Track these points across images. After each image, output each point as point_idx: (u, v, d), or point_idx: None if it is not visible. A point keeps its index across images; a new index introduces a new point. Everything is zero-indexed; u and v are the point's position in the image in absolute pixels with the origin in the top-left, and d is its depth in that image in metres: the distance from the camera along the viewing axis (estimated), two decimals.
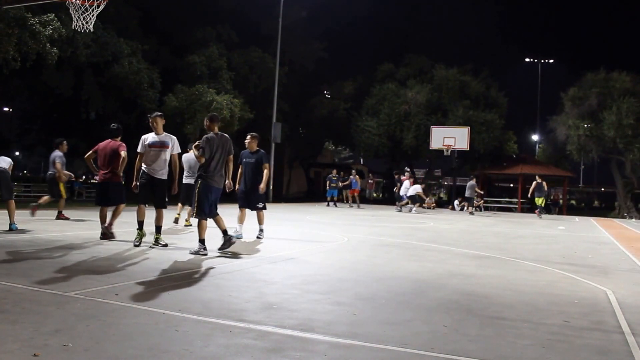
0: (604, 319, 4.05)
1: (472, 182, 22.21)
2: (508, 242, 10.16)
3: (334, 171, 24.77)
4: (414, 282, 5.22)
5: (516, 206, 29.50)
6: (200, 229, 6.55)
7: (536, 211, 21.27)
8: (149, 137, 7.07)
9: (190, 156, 9.80)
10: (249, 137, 8.49)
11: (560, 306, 4.40)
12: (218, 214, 6.76)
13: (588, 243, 10.51)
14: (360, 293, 4.60)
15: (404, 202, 22.25)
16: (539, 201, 20.78)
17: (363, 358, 2.93)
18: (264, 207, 8.59)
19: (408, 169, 24.50)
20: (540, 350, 3.18)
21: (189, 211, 9.41)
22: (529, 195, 22.45)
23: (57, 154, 10.79)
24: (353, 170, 24.88)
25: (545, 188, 21.09)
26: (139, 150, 7.03)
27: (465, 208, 22.78)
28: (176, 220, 10.12)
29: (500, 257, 7.58)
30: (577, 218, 22.65)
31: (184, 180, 9.83)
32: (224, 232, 6.70)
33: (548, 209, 33.57)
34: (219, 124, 6.88)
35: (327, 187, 23.42)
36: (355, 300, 4.28)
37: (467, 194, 22.19)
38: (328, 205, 22.79)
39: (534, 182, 20.88)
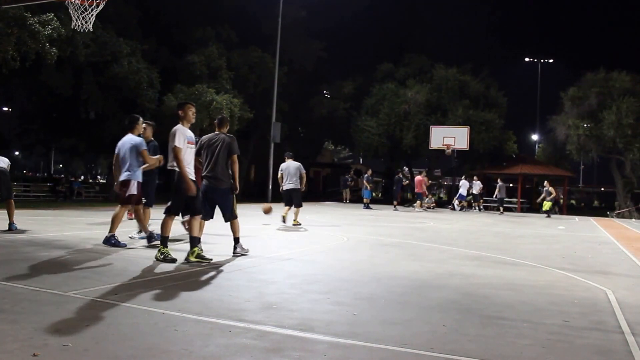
0: (604, 319, 4.04)
1: (502, 183, 23.15)
2: (508, 242, 10.16)
3: (370, 171, 24.32)
4: (413, 282, 5.22)
5: (516, 206, 29.51)
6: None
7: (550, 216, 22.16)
8: (187, 130, 5.96)
9: (289, 164, 11.29)
10: (144, 124, 7.76)
11: (560, 306, 4.40)
12: (234, 219, 6.42)
13: (588, 243, 10.51)
14: (359, 293, 4.59)
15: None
16: (548, 205, 21.92)
17: (362, 358, 2.92)
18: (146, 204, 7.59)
19: (407, 169, 24.55)
20: (540, 350, 3.17)
21: (294, 211, 11.30)
22: (539, 200, 23.16)
23: None
24: (425, 171, 24.65)
25: (553, 192, 22.26)
26: (180, 144, 5.75)
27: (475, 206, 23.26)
28: (284, 219, 11.23)
29: (500, 257, 7.57)
30: (577, 218, 22.66)
31: (285, 187, 11.23)
32: (236, 239, 6.48)
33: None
34: (224, 126, 6.66)
35: (365, 189, 22.72)
36: (354, 300, 4.28)
37: (500, 195, 22.61)
38: (369, 207, 21.72)
39: (550, 188, 21.87)
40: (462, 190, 24.10)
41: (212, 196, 6.39)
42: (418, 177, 23.02)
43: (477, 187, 24.27)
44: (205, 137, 6.53)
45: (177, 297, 4.12)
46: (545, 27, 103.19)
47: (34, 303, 3.73)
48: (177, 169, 5.78)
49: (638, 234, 14.17)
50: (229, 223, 6.49)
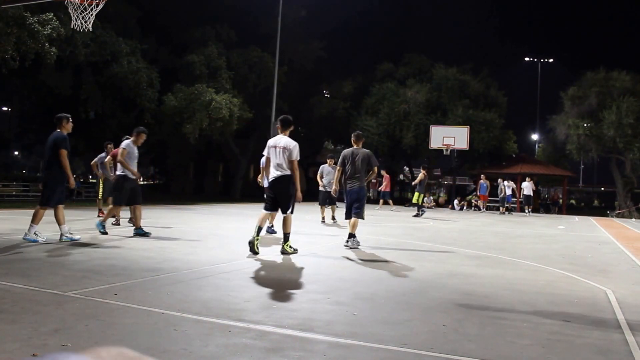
0: (604, 318, 4.04)
1: (509, 182, 23.15)
2: (507, 241, 10.16)
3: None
4: (413, 282, 5.22)
5: (515, 206, 29.51)
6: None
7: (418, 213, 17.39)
8: None
9: (331, 168, 12.43)
10: None
11: (560, 306, 4.40)
12: (358, 217, 7.85)
13: (588, 242, 10.51)
14: (359, 293, 4.59)
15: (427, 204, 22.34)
16: (418, 197, 17.12)
17: (362, 358, 2.92)
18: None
19: (407, 168, 24.51)
20: (540, 350, 3.17)
21: (331, 207, 12.74)
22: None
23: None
24: (483, 175, 24.46)
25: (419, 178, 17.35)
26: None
27: (528, 210, 23.20)
28: (332, 219, 12.74)
29: (500, 256, 7.57)
30: (576, 217, 22.65)
31: (327, 188, 12.39)
32: (350, 234, 7.72)
33: (547, 208, 33.65)
34: (361, 141, 8.01)
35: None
36: (354, 300, 4.28)
37: (526, 192, 22.66)
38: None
39: (422, 172, 17.29)
40: (509, 191, 23.56)
41: (349, 197, 7.79)
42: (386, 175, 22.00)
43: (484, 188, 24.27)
44: (348, 151, 7.91)
45: (177, 297, 4.12)
46: (545, 27, 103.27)
47: (34, 303, 3.73)
48: (286, 173, 6.71)
49: (638, 233, 14.17)
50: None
